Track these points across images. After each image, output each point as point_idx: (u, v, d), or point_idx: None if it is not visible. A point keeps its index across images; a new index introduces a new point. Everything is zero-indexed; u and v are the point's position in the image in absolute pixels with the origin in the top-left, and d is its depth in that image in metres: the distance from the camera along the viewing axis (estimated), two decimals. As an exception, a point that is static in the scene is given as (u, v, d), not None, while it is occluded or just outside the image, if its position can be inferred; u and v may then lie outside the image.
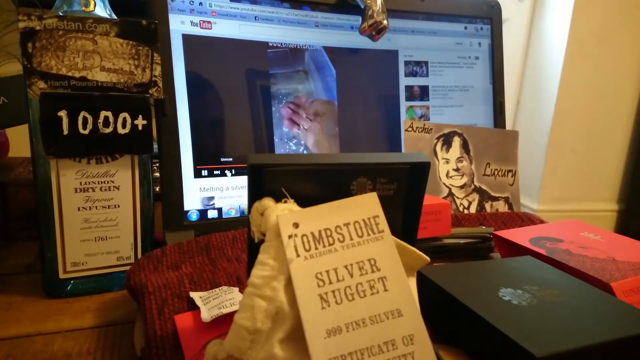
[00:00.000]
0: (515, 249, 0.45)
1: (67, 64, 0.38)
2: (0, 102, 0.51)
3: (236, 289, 0.35)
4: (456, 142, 0.63)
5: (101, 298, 0.42)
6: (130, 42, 0.40)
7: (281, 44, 0.56)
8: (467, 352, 0.30)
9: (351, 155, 0.25)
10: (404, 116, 0.64)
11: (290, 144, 0.57)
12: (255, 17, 0.55)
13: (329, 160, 0.25)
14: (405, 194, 0.27)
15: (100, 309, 0.40)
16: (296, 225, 0.22)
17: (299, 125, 0.56)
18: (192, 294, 0.34)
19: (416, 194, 0.27)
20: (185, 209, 0.50)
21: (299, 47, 0.57)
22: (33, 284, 0.43)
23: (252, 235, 0.24)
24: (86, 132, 0.39)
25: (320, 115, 0.58)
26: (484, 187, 0.64)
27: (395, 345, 0.20)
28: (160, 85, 0.41)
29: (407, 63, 0.65)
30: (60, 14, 0.39)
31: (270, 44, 0.56)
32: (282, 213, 0.22)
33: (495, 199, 0.65)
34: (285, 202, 0.23)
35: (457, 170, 0.63)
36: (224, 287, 0.35)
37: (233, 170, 0.53)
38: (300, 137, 0.57)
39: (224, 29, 0.53)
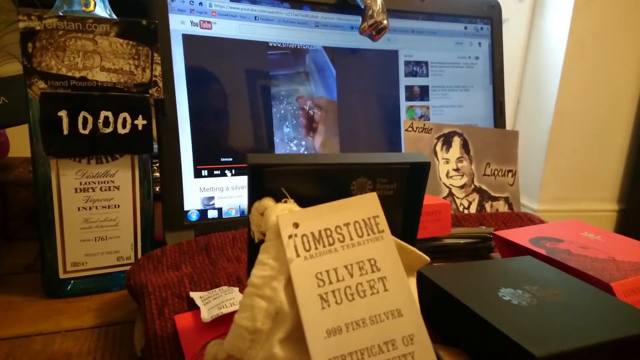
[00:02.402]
0: (515, 249, 0.45)
1: (67, 64, 0.38)
2: (0, 102, 0.51)
3: (236, 289, 0.35)
4: (456, 142, 0.63)
5: (101, 298, 0.42)
6: (130, 42, 0.40)
7: (281, 44, 0.56)
8: (467, 352, 0.30)
9: (351, 155, 0.25)
10: (404, 116, 0.64)
11: (291, 144, 0.57)
12: (255, 17, 0.55)
13: (329, 160, 0.25)
14: (405, 194, 0.27)
15: (100, 309, 0.40)
16: (296, 225, 0.22)
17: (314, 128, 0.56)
18: (192, 294, 0.34)
19: (416, 194, 0.27)
20: (185, 209, 0.50)
21: (299, 47, 0.57)
22: (33, 284, 0.43)
23: (252, 235, 0.24)
24: (86, 132, 0.39)
25: (325, 111, 0.58)
26: (484, 187, 0.64)
27: (395, 345, 0.20)
28: (160, 85, 0.41)
29: (407, 63, 0.65)
30: (60, 14, 0.39)
31: (270, 44, 0.56)
32: (282, 213, 0.22)
33: (495, 199, 0.65)
34: (285, 202, 0.23)
35: (457, 170, 0.63)
36: (224, 287, 0.35)
37: (233, 170, 0.53)
38: (311, 138, 0.57)
39: (224, 29, 0.53)
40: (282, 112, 0.56)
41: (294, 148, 0.57)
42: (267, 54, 0.55)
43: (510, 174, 0.66)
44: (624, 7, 1.20)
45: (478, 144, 0.65)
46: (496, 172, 0.65)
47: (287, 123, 0.56)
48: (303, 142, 0.57)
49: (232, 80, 0.54)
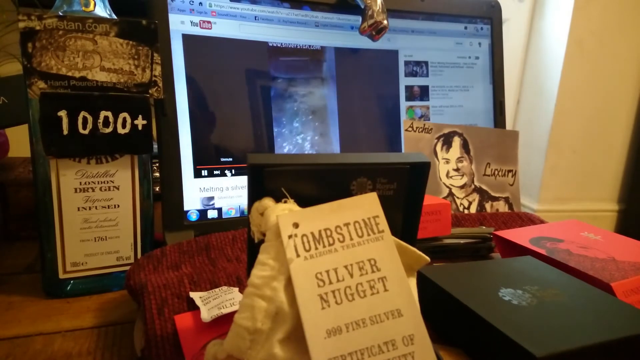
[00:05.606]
0: (515, 249, 0.45)
1: (67, 64, 0.38)
2: (0, 102, 0.51)
3: (236, 289, 0.35)
4: (456, 142, 0.63)
5: (101, 298, 0.42)
6: (130, 42, 0.40)
7: (281, 44, 0.56)
8: (467, 352, 0.30)
9: (351, 155, 0.25)
10: (404, 116, 0.64)
11: (290, 146, 0.57)
12: (255, 17, 0.55)
13: (329, 160, 0.25)
14: (405, 194, 0.27)
15: (100, 309, 0.40)
16: (296, 225, 0.22)
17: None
18: (192, 294, 0.34)
19: (416, 194, 0.27)
20: (185, 209, 0.50)
21: (318, 51, 0.57)
22: (33, 284, 0.43)
23: (252, 235, 0.24)
24: (86, 132, 0.39)
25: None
26: (484, 187, 0.64)
27: (395, 345, 0.20)
28: (160, 85, 0.41)
29: (407, 63, 0.65)
30: (60, 14, 0.39)
31: (270, 44, 0.56)
32: (282, 213, 0.22)
33: (496, 199, 0.65)
34: (285, 202, 0.23)
35: (457, 170, 0.63)
36: (224, 287, 0.35)
37: (233, 170, 0.53)
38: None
39: (224, 29, 0.53)
40: (295, 109, 0.56)
41: (294, 149, 0.57)
42: (267, 54, 0.55)
43: (510, 174, 0.66)
44: (624, 7, 1.20)
45: (478, 144, 0.65)
46: (496, 172, 0.65)
47: (297, 119, 0.57)
48: (308, 137, 0.57)
49: (231, 80, 0.54)
